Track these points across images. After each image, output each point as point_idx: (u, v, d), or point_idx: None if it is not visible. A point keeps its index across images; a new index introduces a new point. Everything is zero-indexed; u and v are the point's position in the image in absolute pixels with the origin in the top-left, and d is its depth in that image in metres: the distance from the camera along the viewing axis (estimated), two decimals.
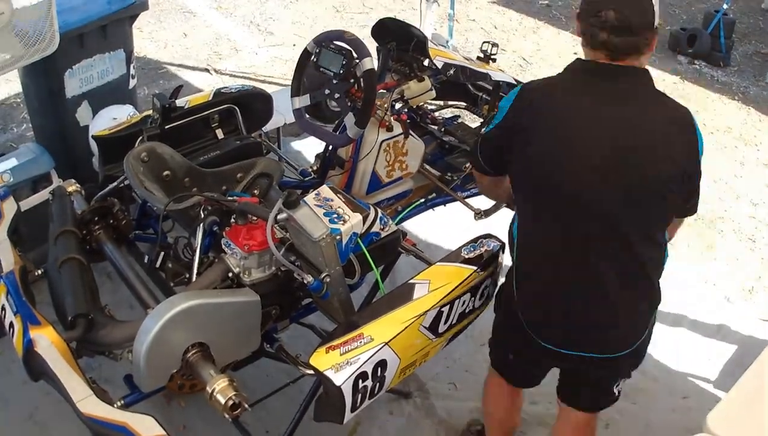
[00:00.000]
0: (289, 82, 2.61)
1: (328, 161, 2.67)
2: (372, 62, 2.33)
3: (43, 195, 2.85)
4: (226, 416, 1.73)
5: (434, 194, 2.89)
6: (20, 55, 2.70)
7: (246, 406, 1.74)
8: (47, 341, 1.83)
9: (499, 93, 3.07)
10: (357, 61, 2.34)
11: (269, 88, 3.02)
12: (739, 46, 6.42)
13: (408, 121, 2.65)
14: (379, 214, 2.16)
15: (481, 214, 2.78)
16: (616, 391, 2.10)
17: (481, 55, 3.06)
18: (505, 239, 2.22)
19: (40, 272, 2.20)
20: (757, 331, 3.32)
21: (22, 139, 3.95)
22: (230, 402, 1.71)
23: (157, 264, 2.17)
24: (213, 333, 1.85)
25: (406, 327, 1.90)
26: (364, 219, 2.06)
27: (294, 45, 5.45)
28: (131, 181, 2.22)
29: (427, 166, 2.89)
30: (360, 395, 1.84)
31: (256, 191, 2.42)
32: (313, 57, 2.49)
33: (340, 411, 1.83)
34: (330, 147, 2.65)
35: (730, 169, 4.64)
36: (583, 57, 1.82)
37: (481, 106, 3.20)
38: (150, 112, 2.57)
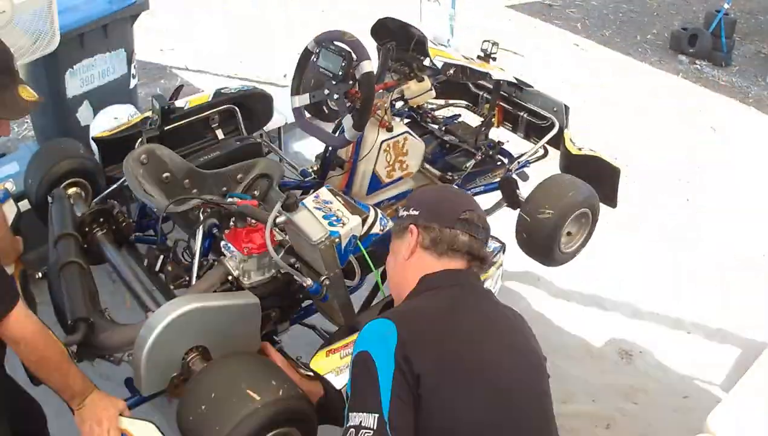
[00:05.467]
0: (288, 83, 2.61)
1: (328, 162, 2.66)
2: (371, 65, 2.31)
3: None
4: None
5: None
6: (23, 51, 2.69)
7: None
8: None
9: (500, 92, 3.07)
10: (356, 62, 2.33)
11: (268, 89, 3.00)
12: (740, 46, 6.42)
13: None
14: (379, 216, 2.14)
15: None
16: None
17: (482, 54, 3.05)
18: (505, 239, 2.21)
19: (40, 274, 2.19)
20: (757, 332, 3.31)
21: (24, 139, 3.94)
22: None
23: (157, 267, 2.17)
24: (213, 336, 1.85)
25: None
26: (364, 221, 2.05)
27: (293, 47, 5.43)
28: (130, 183, 2.22)
29: (428, 166, 2.89)
30: None
31: (256, 192, 2.42)
32: (313, 56, 2.48)
33: (342, 415, 1.82)
34: (330, 147, 2.64)
35: (731, 170, 4.63)
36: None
37: (481, 105, 3.20)
38: (149, 113, 2.57)
